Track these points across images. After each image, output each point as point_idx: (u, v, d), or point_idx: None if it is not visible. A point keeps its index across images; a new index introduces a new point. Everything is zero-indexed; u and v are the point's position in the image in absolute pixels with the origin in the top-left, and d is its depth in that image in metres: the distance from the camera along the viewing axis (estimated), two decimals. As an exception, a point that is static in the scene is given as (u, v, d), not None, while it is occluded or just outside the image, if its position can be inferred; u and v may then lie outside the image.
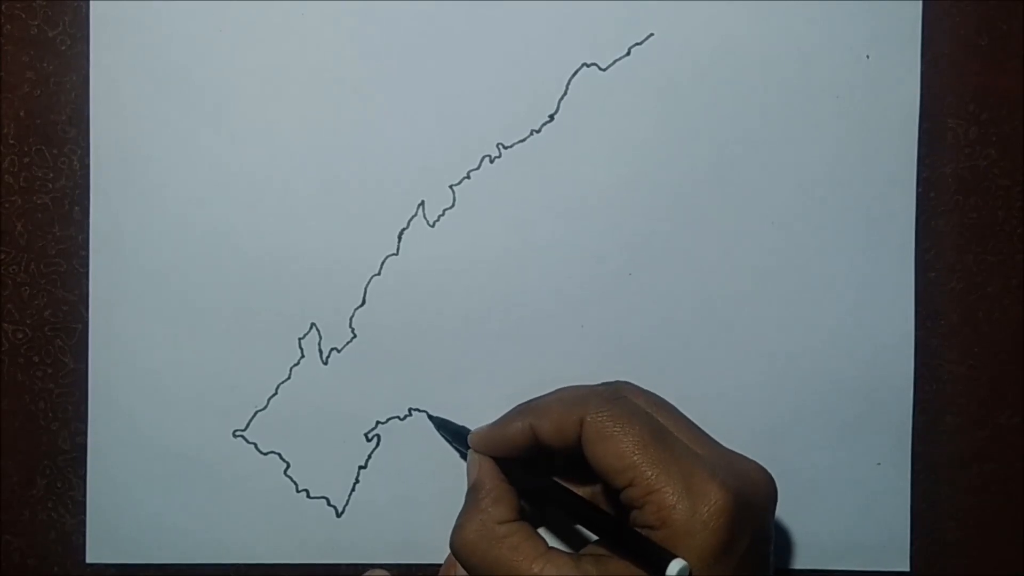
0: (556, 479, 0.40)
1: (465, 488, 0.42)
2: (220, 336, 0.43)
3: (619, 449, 0.36)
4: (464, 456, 0.42)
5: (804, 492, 0.43)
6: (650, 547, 0.34)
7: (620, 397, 0.38)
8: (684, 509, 0.34)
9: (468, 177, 0.43)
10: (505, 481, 0.39)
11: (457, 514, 0.38)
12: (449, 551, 0.42)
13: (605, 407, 0.37)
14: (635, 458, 0.35)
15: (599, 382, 0.41)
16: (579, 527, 0.42)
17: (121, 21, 0.42)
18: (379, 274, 0.43)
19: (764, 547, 0.37)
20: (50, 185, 0.43)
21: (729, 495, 0.35)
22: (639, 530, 0.35)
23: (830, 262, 0.43)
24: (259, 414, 0.43)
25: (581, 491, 0.40)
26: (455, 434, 0.42)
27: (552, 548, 0.37)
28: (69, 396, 0.43)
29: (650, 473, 0.35)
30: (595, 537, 0.38)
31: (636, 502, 0.35)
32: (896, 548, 0.43)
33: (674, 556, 0.33)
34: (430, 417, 0.43)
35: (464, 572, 0.42)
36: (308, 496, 0.43)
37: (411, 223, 0.43)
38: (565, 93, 0.42)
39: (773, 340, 0.43)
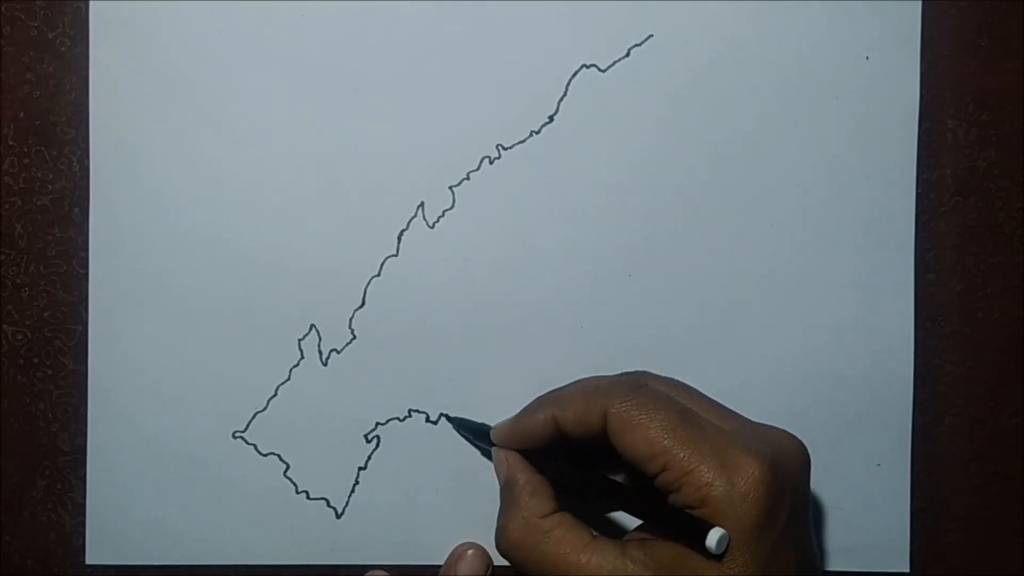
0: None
1: (468, 488, 0.43)
2: (220, 337, 0.43)
3: (648, 436, 0.36)
4: (485, 454, 0.42)
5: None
6: (689, 521, 0.34)
7: (641, 385, 0.38)
8: (722, 485, 0.34)
9: (468, 178, 0.43)
10: (537, 473, 0.39)
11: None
12: (448, 552, 0.43)
13: (628, 396, 0.37)
14: (665, 442, 0.35)
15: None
16: (607, 515, 0.42)
17: (121, 22, 0.42)
18: (379, 275, 0.43)
19: (804, 514, 0.37)
20: (50, 186, 0.43)
21: (764, 466, 0.35)
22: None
23: (830, 262, 0.43)
24: (259, 415, 0.43)
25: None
26: (476, 432, 0.42)
27: (597, 536, 0.37)
28: (69, 397, 0.43)
29: (682, 455, 0.35)
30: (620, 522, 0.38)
31: (672, 485, 0.35)
32: (896, 548, 0.43)
33: (712, 526, 0.34)
34: (448, 418, 0.43)
35: (463, 573, 0.42)
36: (308, 497, 0.43)
37: (411, 224, 0.43)
38: (565, 94, 0.42)
39: (773, 340, 0.43)
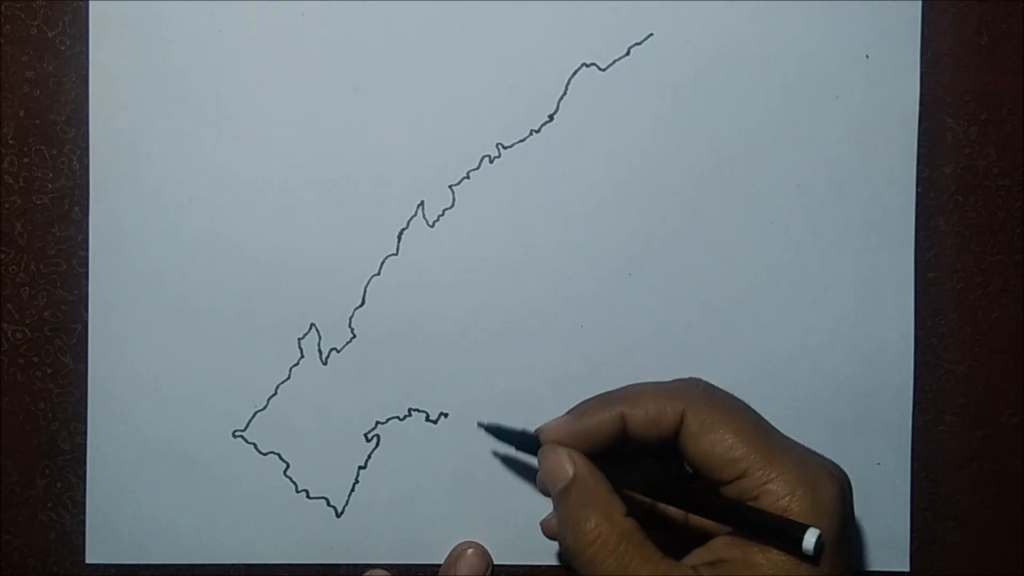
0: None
1: (468, 488, 0.43)
2: (220, 336, 0.43)
3: (727, 440, 0.36)
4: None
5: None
6: (783, 522, 0.34)
7: (716, 389, 0.38)
8: (802, 498, 0.34)
9: (468, 177, 0.43)
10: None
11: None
12: (448, 551, 0.42)
13: (707, 399, 0.37)
14: (745, 449, 0.35)
15: (599, 382, 0.41)
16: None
17: (121, 21, 0.42)
18: (379, 274, 0.43)
19: (852, 539, 0.37)
20: (49, 185, 0.43)
21: (837, 483, 0.35)
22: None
23: (830, 262, 0.43)
24: (259, 414, 0.43)
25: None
26: (515, 437, 0.41)
27: (665, 555, 0.35)
28: (69, 396, 0.43)
29: (762, 463, 0.35)
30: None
31: (749, 493, 0.35)
32: (896, 548, 0.43)
33: (808, 527, 0.33)
34: (481, 425, 0.41)
35: (463, 572, 0.42)
36: (308, 496, 0.43)
37: (411, 223, 0.43)
38: (565, 93, 0.42)
39: (773, 340, 0.43)
